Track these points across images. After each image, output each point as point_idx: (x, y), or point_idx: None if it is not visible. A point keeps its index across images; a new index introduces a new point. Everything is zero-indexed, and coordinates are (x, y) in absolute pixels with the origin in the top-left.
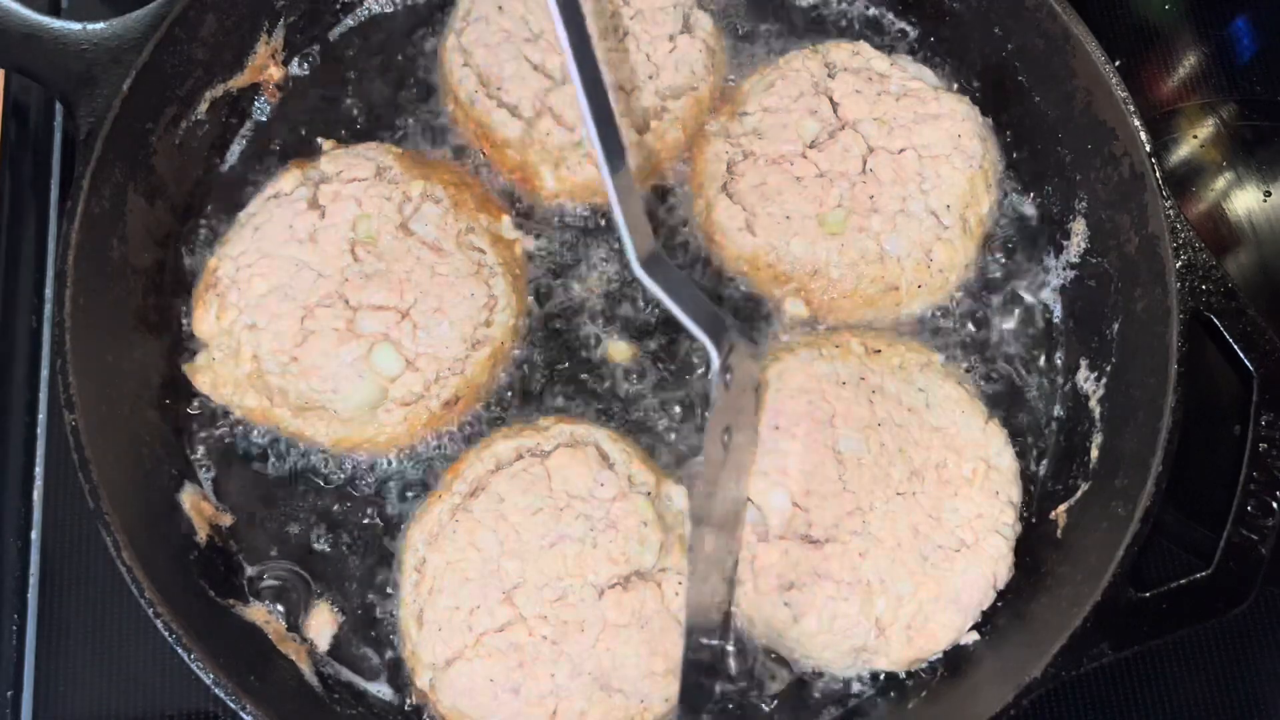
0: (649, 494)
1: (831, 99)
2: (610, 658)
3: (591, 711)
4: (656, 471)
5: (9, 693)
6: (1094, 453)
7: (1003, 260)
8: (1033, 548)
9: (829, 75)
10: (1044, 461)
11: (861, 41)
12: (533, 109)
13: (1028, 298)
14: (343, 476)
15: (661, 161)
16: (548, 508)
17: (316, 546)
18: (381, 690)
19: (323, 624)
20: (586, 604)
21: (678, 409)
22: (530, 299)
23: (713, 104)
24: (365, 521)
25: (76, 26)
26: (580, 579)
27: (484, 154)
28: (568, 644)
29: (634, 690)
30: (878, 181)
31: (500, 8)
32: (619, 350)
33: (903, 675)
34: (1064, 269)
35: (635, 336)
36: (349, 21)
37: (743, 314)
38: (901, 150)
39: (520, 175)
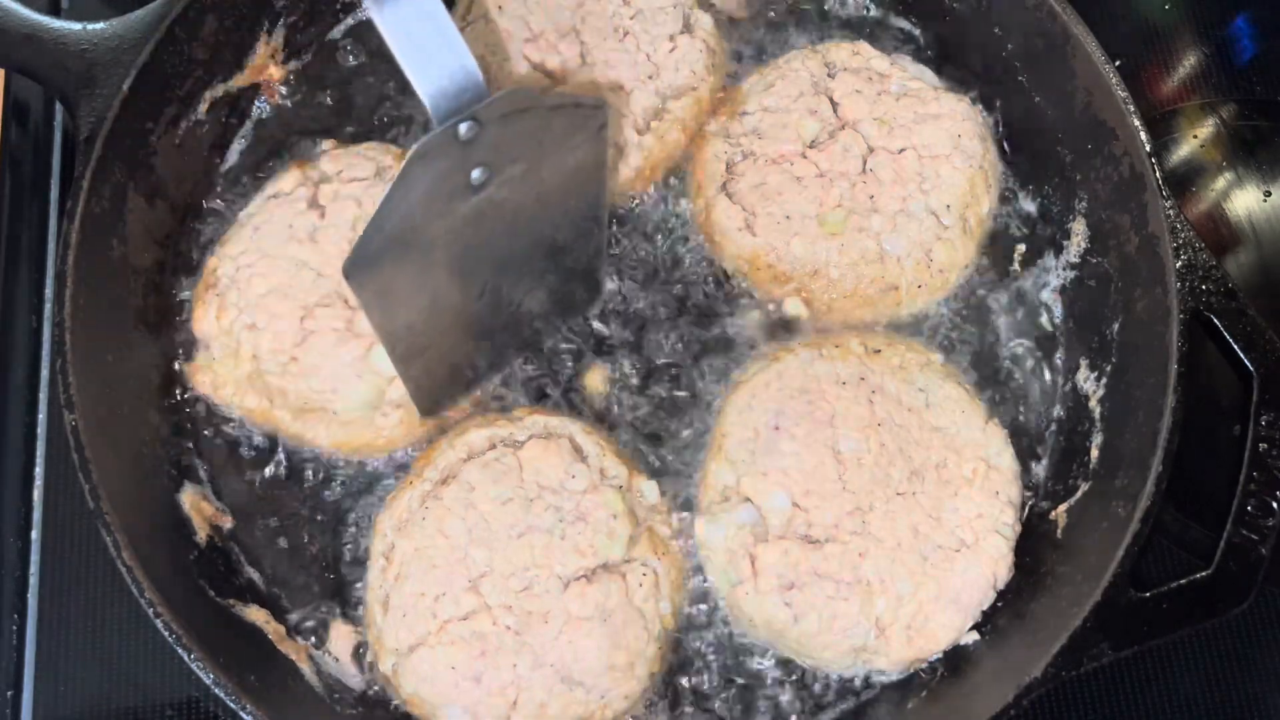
0: (620, 487)
1: (831, 99)
2: (572, 650)
3: (552, 704)
4: (629, 464)
5: (9, 693)
6: (1094, 453)
7: (1004, 261)
8: (1033, 548)
9: (829, 75)
10: (1044, 461)
11: (861, 41)
12: None
13: (1028, 298)
14: (342, 478)
15: (661, 162)
16: (518, 498)
17: (315, 547)
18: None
19: (341, 637)
20: (551, 595)
21: (674, 411)
22: None
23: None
24: (365, 523)
25: (76, 26)
26: (547, 570)
27: None
28: (531, 635)
29: (595, 684)
30: (878, 181)
31: (500, 8)
32: (594, 379)
33: (903, 675)
34: (1064, 269)
35: (633, 336)
36: (349, 21)
37: (742, 314)
38: (901, 150)
39: None
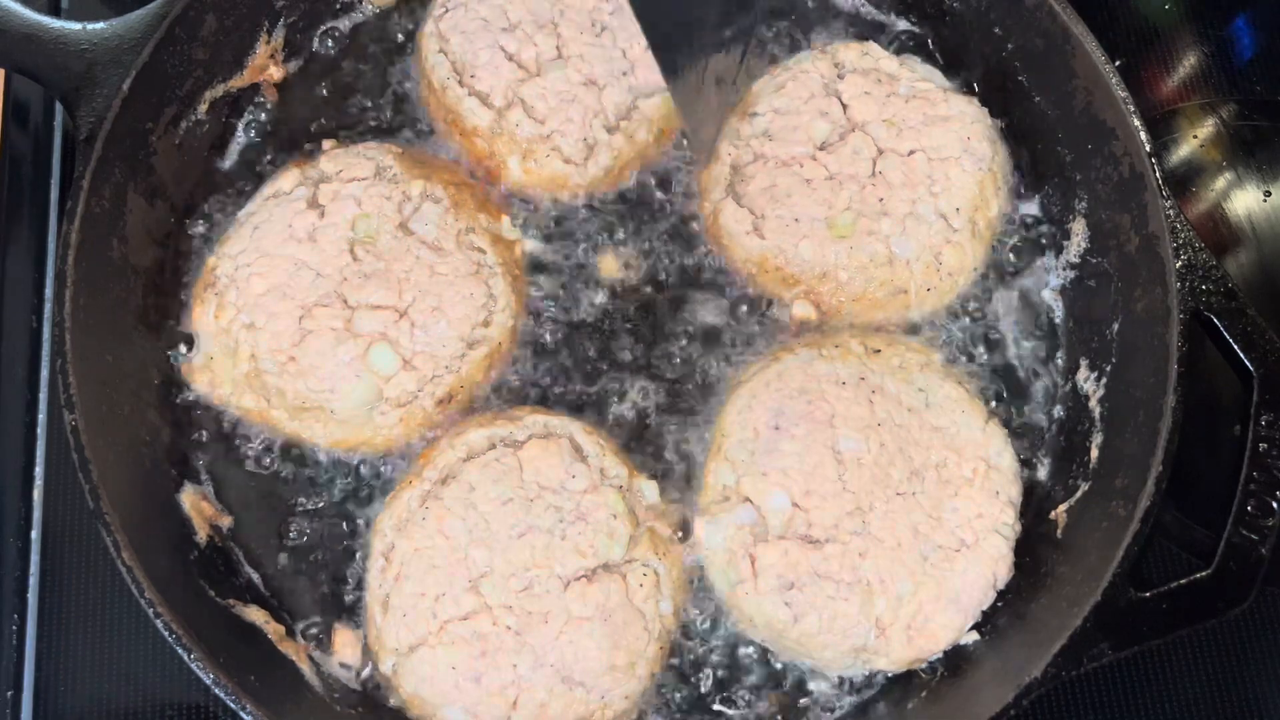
0: (620, 487)
1: (841, 100)
2: (573, 650)
3: (552, 704)
4: (629, 464)
5: (9, 693)
6: (1094, 453)
7: (1004, 261)
8: (1033, 548)
9: (839, 76)
10: (1044, 461)
11: (870, 42)
12: (504, 99)
13: (1028, 298)
14: (341, 478)
15: (630, 162)
16: (518, 498)
17: (315, 547)
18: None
19: (341, 637)
20: (552, 595)
21: (673, 411)
22: (529, 299)
23: None
24: (364, 523)
25: (76, 26)
26: (547, 570)
27: (454, 142)
28: (531, 635)
29: (595, 684)
30: (887, 184)
31: None
32: (609, 264)
33: (903, 675)
34: (1064, 269)
35: (634, 337)
36: (349, 21)
37: (750, 316)
38: (911, 152)
39: (487, 165)
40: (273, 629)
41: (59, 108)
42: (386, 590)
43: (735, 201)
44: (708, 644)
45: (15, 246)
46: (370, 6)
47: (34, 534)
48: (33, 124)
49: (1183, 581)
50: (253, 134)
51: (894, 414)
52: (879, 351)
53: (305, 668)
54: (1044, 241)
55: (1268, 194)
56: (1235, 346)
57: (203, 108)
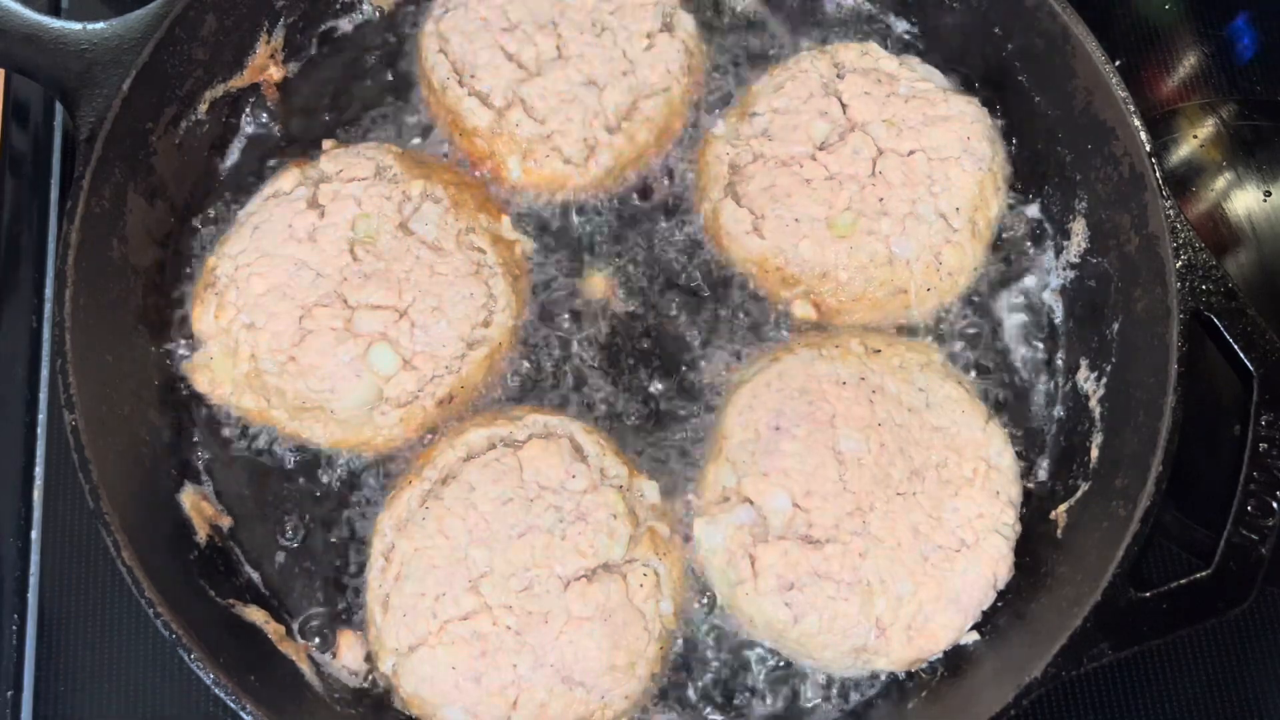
0: (621, 487)
1: (841, 100)
2: (573, 650)
3: (552, 704)
4: (629, 464)
5: (9, 693)
6: (1094, 453)
7: (1004, 261)
8: (1033, 548)
9: (838, 76)
10: (1044, 461)
11: (870, 42)
12: (504, 99)
13: (1028, 298)
14: (341, 477)
15: (630, 162)
16: (518, 498)
17: (315, 547)
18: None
19: (341, 637)
20: (552, 595)
21: (676, 410)
22: (529, 298)
23: (685, 107)
24: (364, 523)
25: (76, 26)
26: (547, 570)
27: (454, 142)
28: (531, 635)
29: (595, 684)
30: (887, 184)
31: None
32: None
33: (903, 675)
34: (1064, 269)
35: (632, 334)
36: (349, 21)
37: (750, 316)
38: (911, 152)
39: (487, 165)
40: (273, 629)
41: (59, 108)
42: (386, 590)
43: (735, 201)
44: (707, 644)
45: (15, 246)
46: (370, 6)
47: (34, 534)
48: (33, 124)
49: (1183, 581)
50: (253, 134)
51: (894, 414)
52: (879, 351)
53: (305, 668)
54: (1044, 241)
55: (1268, 194)
56: (1235, 346)
57: (203, 108)
